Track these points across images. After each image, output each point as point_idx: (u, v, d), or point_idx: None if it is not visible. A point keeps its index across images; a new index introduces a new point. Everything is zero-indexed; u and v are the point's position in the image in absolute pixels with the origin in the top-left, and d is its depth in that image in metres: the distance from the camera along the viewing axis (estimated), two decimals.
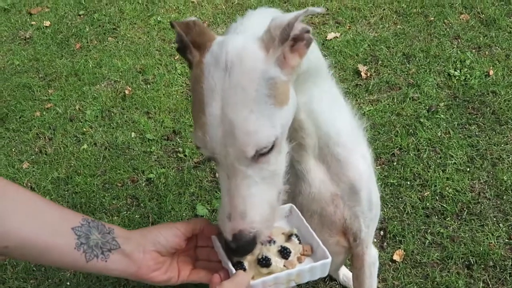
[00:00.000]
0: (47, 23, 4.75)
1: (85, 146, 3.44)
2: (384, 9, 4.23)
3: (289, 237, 1.36)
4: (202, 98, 1.12)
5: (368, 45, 3.87)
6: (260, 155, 1.14)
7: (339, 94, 1.52)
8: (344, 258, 1.88)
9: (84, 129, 3.57)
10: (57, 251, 1.19)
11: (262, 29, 1.16)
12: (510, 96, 3.28)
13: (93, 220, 1.27)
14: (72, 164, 3.33)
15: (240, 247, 1.20)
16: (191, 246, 1.41)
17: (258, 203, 1.19)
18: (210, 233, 1.37)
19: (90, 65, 4.14)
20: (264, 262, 1.28)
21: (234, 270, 1.27)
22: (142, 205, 3.02)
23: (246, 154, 1.12)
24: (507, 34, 3.78)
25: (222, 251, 1.33)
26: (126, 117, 3.62)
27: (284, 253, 1.31)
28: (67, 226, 1.21)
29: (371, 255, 1.80)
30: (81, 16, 4.79)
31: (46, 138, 3.56)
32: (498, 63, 3.55)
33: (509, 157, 2.93)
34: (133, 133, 3.48)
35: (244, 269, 1.28)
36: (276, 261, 1.30)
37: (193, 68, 1.18)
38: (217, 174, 1.23)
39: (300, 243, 1.36)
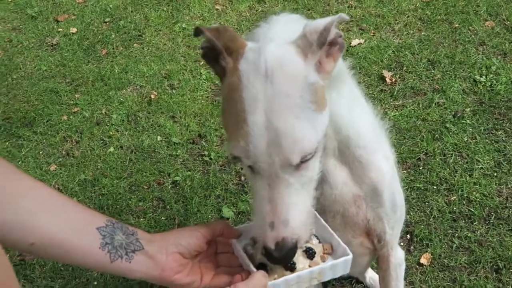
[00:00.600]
0: (74, 30, 4.81)
1: (111, 149, 3.48)
2: (408, 16, 4.24)
3: None
4: (243, 107, 1.11)
5: (393, 51, 3.88)
6: (302, 162, 1.14)
7: (360, 95, 1.52)
8: (369, 260, 1.87)
9: (111, 133, 3.60)
10: (82, 251, 1.19)
11: (291, 34, 1.17)
12: None
13: (117, 222, 1.28)
14: (98, 167, 3.37)
15: (283, 255, 1.19)
16: (212, 252, 1.41)
17: (299, 209, 1.20)
18: (230, 235, 1.38)
19: (116, 71, 4.19)
20: (290, 266, 1.28)
21: (255, 271, 1.27)
22: (168, 207, 3.04)
23: (292, 162, 1.12)
24: None
25: (242, 254, 1.33)
26: (152, 121, 3.65)
27: (309, 253, 1.32)
28: (92, 226, 1.22)
29: (397, 257, 1.78)
30: (107, 23, 4.85)
31: (73, 141, 3.61)
32: None
33: None
34: (159, 137, 3.51)
35: (267, 272, 1.29)
36: (302, 262, 1.30)
37: (228, 75, 1.17)
38: (250, 182, 1.23)
39: (320, 242, 1.37)
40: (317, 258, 1.31)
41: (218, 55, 1.18)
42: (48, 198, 1.18)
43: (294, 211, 1.18)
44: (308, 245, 1.33)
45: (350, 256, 1.30)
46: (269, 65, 1.10)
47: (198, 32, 1.19)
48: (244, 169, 1.24)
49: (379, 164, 1.49)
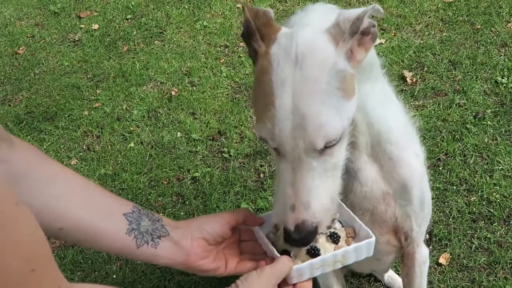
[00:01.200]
0: (96, 26, 4.86)
1: (131, 144, 3.51)
2: (429, 17, 4.22)
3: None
4: (271, 90, 1.13)
5: (414, 51, 3.87)
6: (326, 147, 1.16)
7: (392, 92, 1.53)
8: (394, 258, 1.87)
9: (131, 128, 3.64)
10: (109, 235, 1.21)
11: (326, 23, 1.18)
12: None
13: (143, 208, 1.30)
14: (119, 162, 3.40)
15: (302, 237, 1.21)
16: (235, 240, 1.43)
17: (321, 194, 1.21)
18: (253, 223, 1.40)
19: (137, 67, 4.23)
20: (314, 253, 1.29)
21: (279, 256, 1.28)
22: (187, 202, 3.06)
23: (316, 146, 1.14)
24: None
25: (266, 240, 1.35)
26: (172, 117, 3.68)
27: (334, 238, 1.32)
28: (119, 212, 1.24)
29: (422, 254, 1.79)
30: (129, 20, 4.89)
31: (94, 136, 3.65)
32: None
33: None
34: (179, 133, 3.53)
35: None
36: (326, 248, 1.31)
37: (259, 59, 1.19)
38: (275, 166, 1.25)
39: (343, 227, 1.38)
40: (341, 242, 1.32)
41: (251, 37, 1.20)
42: (76, 184, 1.20)
43: (315, 195, 1.19)
44: (332, 230, 1.34)
45: (373, 238, 1.31)
46: (300, 50, 1.12)
47: (243, 10, 1.22)
48: (270, 151, 1.25)
49: (409, 160, 1.50)
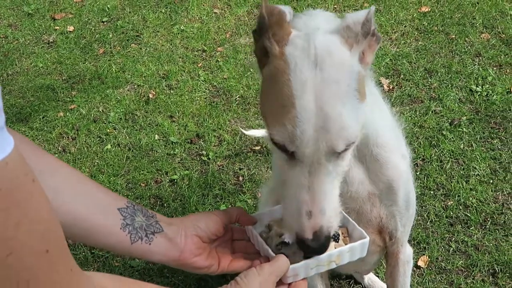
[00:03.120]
0: (71, 28, 4.80)
1: (108, 146, 3.47)
2: (405, 26, 4.29)
3: None
4: (290, 91, 1.12)
5: (390, 59, 3.92)
6: (342, 151, 1.16)
7: (378, 95, 1.55)
8: (378, 258, 1.88)
9: (108, 130, 3.60)
10: (104, 230, 1.20)
11: (331, 27, 1.19)
12: None
13: (137, 204, 1.29)
14: (95, 163, 3.36)
15: (320, 245, 1.20)
16: (228, 238, 1.42)
17: (334, 198, 1.21)
18: (246, 222, 1.39)
19: (114, 70, 4.19)
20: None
21: (274, 255, 1.28)
22: (165, 205, 3.04)
23: (337, 149, 1.14)
24: None
25: (260, 239, 1.34)
26: (150, 120, 3.65)
27: (334, 236, 1.32)
28: (114, 206, 1.22)
29: (406, 254, 1.81)
30: (105, 23, 4.85)
31: (70, 137, 3.59)
32: None
33: None
34: (156, 136, 3.51)
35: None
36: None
37: (272, 59, 1.18)
38: (284, 172, 1.22)
39: (339, 227, 1.38)
40: (341, 241, 1.33)
41: (264, 33, 1.18)
42: (71, 177, 1.18)
43: (330, 199, 1.19)
44: None
45: (367, 238, 1.32)
46: (319, 52, 1.12)
47: (260, 6, 1.21)
48: (279, 158, 1.22)
49: (396, 162, 1.51)
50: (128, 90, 3.98)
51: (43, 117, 3.80)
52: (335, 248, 1.31)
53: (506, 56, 3.83)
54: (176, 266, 1.31)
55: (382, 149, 1.46)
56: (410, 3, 4.55)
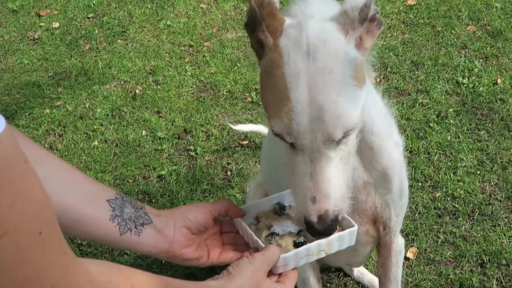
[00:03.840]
0: (56, 25, 4.77)
1: (95, 142, 3.45)
2: (392, 19, 4.29)
3: None
4: (285, 84, 1.12)
5: (377, 52, 3.92)
6: (343, 137, 1.16)
7: (370, 83, 1.54)
8: (371, 249, 1.88)
9: (95, 127, 3.58)
10: (93, 221, 1.19)
11: (329, 12, 1.18)
12: None
13: (126, 196, 1.28)
14: (82, 160, 3.34)
15: (326, 227, 1.21)
16: (217, 231, 1.42)
17: (339, 183, 1.22)
18: (235, 214, 1.39)
19: (100, 66, 4.16)
20: (301, 244, 1.29)
21: (264, 246, 1.28)
22: (153, 200, 3.03)
23: (334, 137, 1.14)
24: None
25: (249, 231, 1.34)
26: (137, 115, 3.64)
27: None
28: (102, 197, 1.22)
29: (398, 244, 1.81)
30: (90, 19, 4.82)
31: (56, 134, 3.57)
32: (505, 72, 3.60)
33: None
34: (144, 131, 3.49)
35: None
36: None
37: (268, 51, 1.18)
38: (287, 160, 1.23)
39: None
40: None
41: (256, 27, 1.18)
42: (60, 168, 1.17)
43: (334, 184, 1.20)
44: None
45: (356, 227, 1.33)
46: (311, 41, 1.11)
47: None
48: (282, 146, 1.24)
49: (390, 150, 1.51)
50: (115, 86, 3.95)
51: (29, 114, 3.78)
52: None
53: (492, 48, 3.84)
54: (166, 258, 1.30)
55: (376, 136, 1.46)
56: None
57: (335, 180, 1.20)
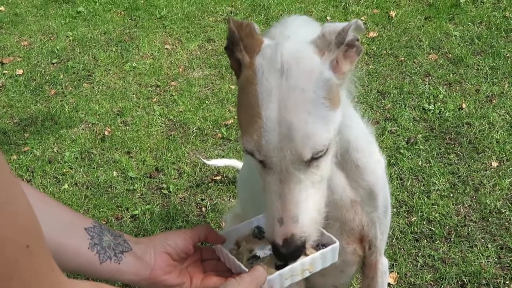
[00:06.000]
0: (20, 72, 4.72)
1: (65, 186, 3.39)
2: None
3: None
4: (257, 101, 1.12)
5: None
6: (313, 159, 1.15)
7: (349, 101, 1.56)
8: (356, 269, 1.87)
9: (64, 170, 3.52)
10: (72, 250, 1.16)
11: (306, 34, 1.20)
12: (485, 126, 3.40)
13: (103, 224, 1.25)
14: None
15: (291, 251, 1.19)
16: (198, 258, 1.39)
17: (309, 207, 1.20)
18: (215, 240, 1.37)
19: (66, 110, 4.12)
20: (283, 266, 1.28)
21: (247, 270, 1.26)
22: None
23: (303, 157, 1.13)
24: (474, 71, 3.95)
25: (231, 257, 1.32)
26: (107, 157, 3.59)
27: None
28: (80, 226, 1.19)
29: (383, 264, 1.80)
30: (55, 64, 4.79)
31: (25, 180, 3.49)
32: (469, 97, 3.68)
33: (489, 183, 3.01)
34: (114, 172, 3.45)
35: None
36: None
37: (244, 69, 1.19)
38: (261, 178, 1.24)
39: None
40: (308, 251, 1.32)
41: (235, 48, 1.19)
42: (35, 197, 1.14)
43: (303, 208, 1.18)
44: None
45: (337, 243, 1.32)
46: (285, 60, 1.12)
47: (228, 21, 1.21)
48: (255, 165, 1.23)
49: (374, 167, 1.52)
50: (83, 129, 3.91)
51: None
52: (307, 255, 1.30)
53: (455, 74, 3.93)
54: (148, 285, 1.27)
55: (361, 153, 1.46)
56: None
57: (305, 204, 1.18)
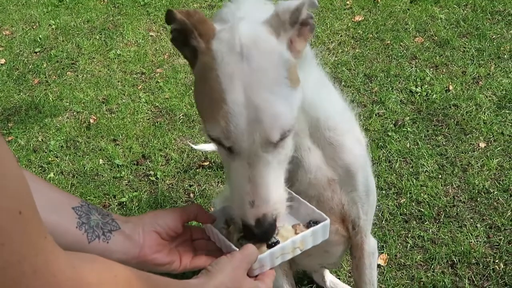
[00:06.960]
0: (2, 61, 4.66)
1: (51, 175, 3.35)
2: (341, 36, 4.35)
3: None
4: (219, 86, 1.10)
5: (330, 67, 3.96)
6: (280, 139, 1.14)
7: (327, 80, 1.54)
8: (343, 249, 1.85)
9: (49, 159, 3.47)
10: (60, 229, 1.14)
11: (260, 14, 1.18)
12: (472, 107, 3.39)
13: (91, 203, 1.24)
14: None
15: (264, 230, 1.20)
16: (188, 238, 1.38)
17: (277, 186, 1.20)
18: (204, 220, 1.36)
19: (51, 98, 4.07)
20: (274, 245, 1.27)
21: (237, 250, 1.25)
22: None
23: (271, 139, 1.12)
24: (461, 53, 3.94)
25: (221, 236, 1.31)
26: (93, 145, 3.55)
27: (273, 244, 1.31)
28: (68, 205, 1.17)
29: (370, 245, 1.79)
30: (37, 53, 4.73)
31: None
32: (456, 79, 3.68)
33: (477, 163, 3.01)
34: (101, 160, 3.41)
35: None
36: (286, 236, 1.29)
37: (200, 56, 1.17)
38: (225, 165, 1.23)
39: (292, 227, 1.36)
40: (299, 229, 1.31)
41: (188, 37, 1.17)
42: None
43: (273, 188, 1.18)
44: (281, 233, 1.31)
45: (328, 220, 1.32)
46: (244, 42, 1.10)
47: (169, 16, 1.17)
48: (219, 151, 1.22)
49: (351, 146, 1.50)
50: (68, 118, 3.86)
51: None
52: (298, 233, 1.29)
53: (441, 56, 3.93)
54: (137, 264, 1.25)
55: (333, 132, 1.44)
56: (344, 13, 4.63)
57: (274, 184, 1.18)
